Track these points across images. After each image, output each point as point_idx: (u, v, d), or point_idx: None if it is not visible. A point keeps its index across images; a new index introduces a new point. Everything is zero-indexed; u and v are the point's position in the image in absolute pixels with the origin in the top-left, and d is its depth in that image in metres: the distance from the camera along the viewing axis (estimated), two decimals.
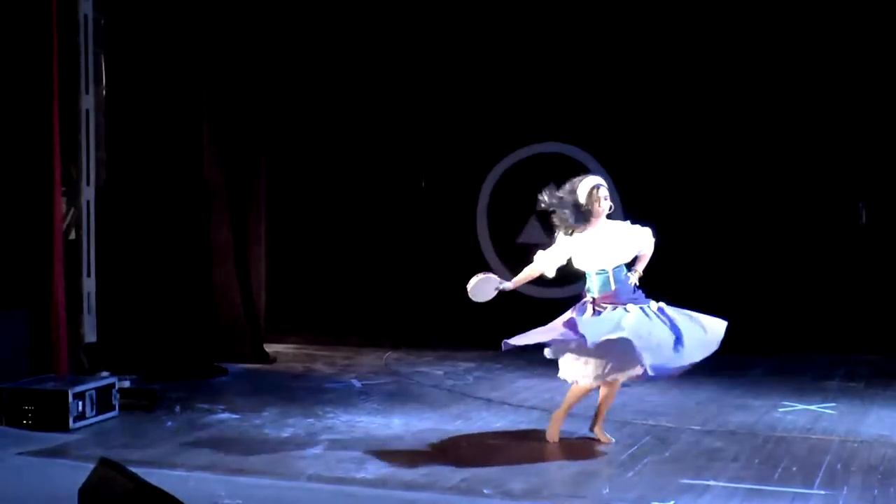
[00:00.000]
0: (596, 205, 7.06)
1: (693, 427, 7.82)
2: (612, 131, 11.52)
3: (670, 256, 11.29)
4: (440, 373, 10.16)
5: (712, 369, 10.02)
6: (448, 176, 12.03)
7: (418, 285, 12.02)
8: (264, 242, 11.78)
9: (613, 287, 7.00)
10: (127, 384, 8.63)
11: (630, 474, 6.57)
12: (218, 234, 10.74)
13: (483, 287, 7.18)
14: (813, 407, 8.29)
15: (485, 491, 6.24)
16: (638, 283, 7.07)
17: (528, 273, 7.33)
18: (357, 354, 11.10)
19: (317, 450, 7.12)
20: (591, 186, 7.08)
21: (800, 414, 8.23)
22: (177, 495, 4.72)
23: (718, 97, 11.20)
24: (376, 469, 6.67)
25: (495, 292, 7.21)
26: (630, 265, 7.10)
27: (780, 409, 8.33)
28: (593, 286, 7.08)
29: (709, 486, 6.32)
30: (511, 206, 11.88)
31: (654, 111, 11.38)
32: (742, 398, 8.86)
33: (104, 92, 10.16)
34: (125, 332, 9.77)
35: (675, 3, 11.27)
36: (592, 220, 7.08)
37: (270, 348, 11.07)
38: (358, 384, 9.55)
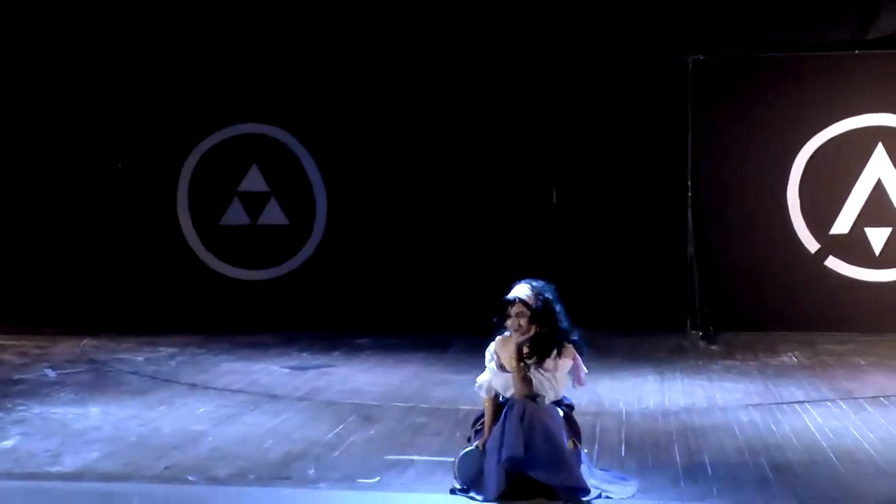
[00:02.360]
0: (508, 318, 5.91)
1: (397, 404, 7.97)
2: (317, 112, 11.52)
3: (376, 242, 11.49)
4: (141, 359, 9.87)
5: (414, 347, 10.30)
6: (146, 157, 11.68)
7: (117, 270, 11.63)
8: None
9: None
10: None
11: (336, 453, 6.62)
12: None
13: (470, 463, 5.86)
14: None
15: (189, 478, 6.12)
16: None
17: (488, 410, 5.99)
18: (51, 343, 10.59)
19: (6, 445, 6.75)
20: (510, 297, 5.93)
21: None
22: None
23: (425, 83, 11.41)
24: (73, 462, 6.40)
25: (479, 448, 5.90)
26: None
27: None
28: None
29: (413, 460, 6.47)
30: (213, 188, 11.68)
31: (360, 93, 11.46)
32: (444, 374, 9.10)
33: None
34: None
35: None
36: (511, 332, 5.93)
37: None
38: (52, 374, 9.12)
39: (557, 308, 5.96)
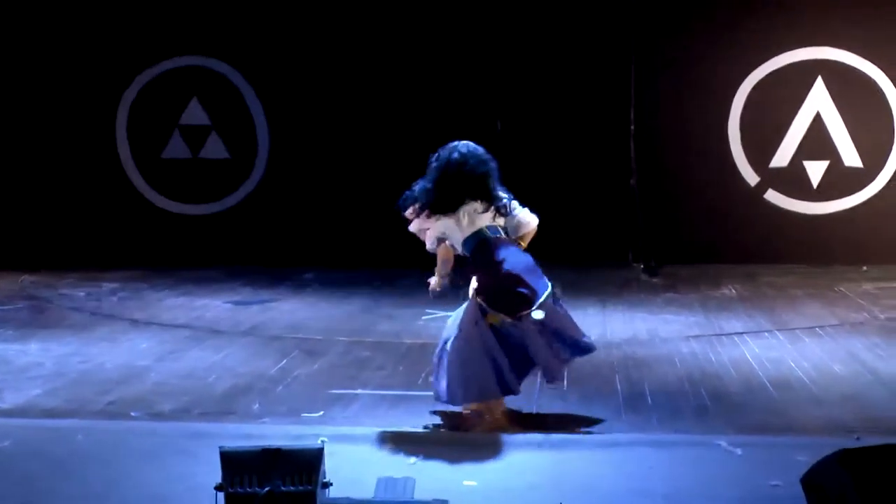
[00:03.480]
0: None
1: (341, 338, 7.99)
2: (258, 45, 11.37)
3: (319, 175, 11.42)
4: (82, 294, 9.78)
5: (358, 282, 10.30)
6: (85, 88, 11.46)
7: (56, 204, 11.47)
8: None
9: None
10: None
11: (280, 388, 6.63)
12: None
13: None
14: (452, 314, 8.64)
15: (133, 413, 6.11)
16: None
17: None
18: None
19: None
20: None
21: (441, 321, 8.56)
22: None
23: (368, 16, 11.28)
24: (14, 398, 6.36)
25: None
26: None
27: (423, 318, 8.63)
28: None
29: (357, 394, 6.50)
30: (154, 121, 11.52)
31: (301, 25, 11.31)
32: (388, 308, 9.12)
33: None
34: None
35: None
36: None
37: None
38: None
39: (435, 164, 6.11)
